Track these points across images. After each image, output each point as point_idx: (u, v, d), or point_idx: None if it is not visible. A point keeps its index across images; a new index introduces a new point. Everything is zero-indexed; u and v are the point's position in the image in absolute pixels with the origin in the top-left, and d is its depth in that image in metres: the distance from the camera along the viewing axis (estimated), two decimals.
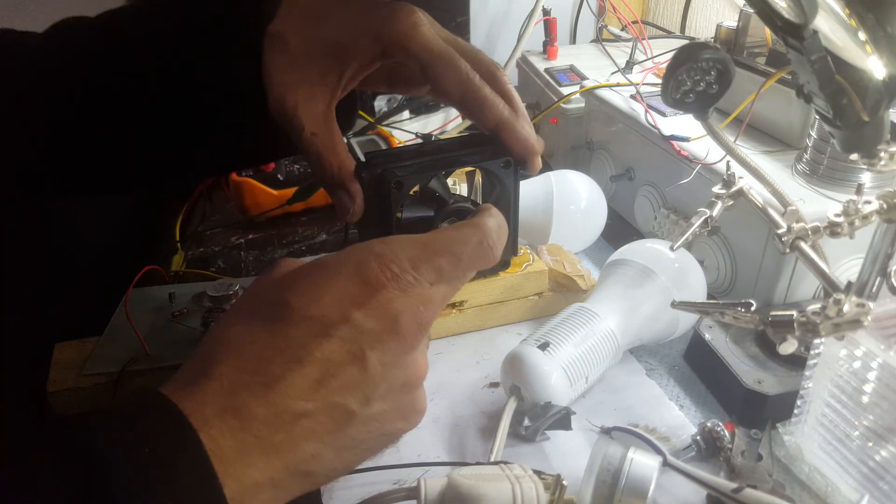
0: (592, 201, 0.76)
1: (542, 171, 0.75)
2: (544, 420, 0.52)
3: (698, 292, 0.62)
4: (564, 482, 0.42)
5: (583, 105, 0.88)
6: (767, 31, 0.70)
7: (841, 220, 0.45)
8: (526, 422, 0.53)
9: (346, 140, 0.92)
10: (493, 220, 0.42)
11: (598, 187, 0.78)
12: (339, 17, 0.44)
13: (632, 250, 0.64)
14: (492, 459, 0.50)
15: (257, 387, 0.31)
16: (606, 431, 0.52)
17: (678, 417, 0.55)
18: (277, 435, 0.31)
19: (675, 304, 0.54)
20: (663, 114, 0.75)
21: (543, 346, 0.55)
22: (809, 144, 0.62)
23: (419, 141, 0.94)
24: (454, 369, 0.62)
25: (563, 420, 0.53)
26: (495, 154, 0.59)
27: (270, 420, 0.31)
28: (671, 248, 0.61)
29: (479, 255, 0.39)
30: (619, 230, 0.83)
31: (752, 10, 0.63)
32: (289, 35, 0.43)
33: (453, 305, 0.64)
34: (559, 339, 0.55)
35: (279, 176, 0.83)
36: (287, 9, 0.44)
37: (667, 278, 0.60)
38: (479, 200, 0.60)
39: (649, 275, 0.60)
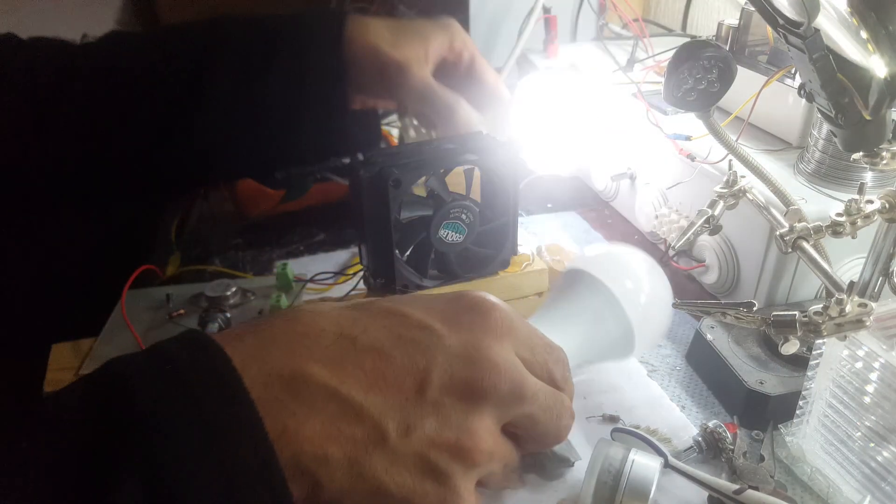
0: None
1: None
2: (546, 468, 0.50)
3: (658, 309, 0.54)
4: None
5: None
6: (769, 29, 0.69)
7: (843, 219, 0.45)
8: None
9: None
10: None
11: None
12: (413, 22, 0.64)
13: (587, 259, 0.57)
14: None
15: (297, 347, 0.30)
16: (608, 419, 0.52)
17: (679, 418, 0.55)
18: (300, 407, 0.29)
19: (676, 304, 0.54)
20: (665, 112, 0.74)
21: None
22: (811, 143, 0.62)
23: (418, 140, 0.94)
24: None
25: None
26: (494, 152, 0.58)
27: (297, 389, 0.29)
28: (672, 248, 0.61)
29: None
30: (620, 230, 0.82)
31: (753, 9, 0.62)
32: (384, 31, 0.61)
33: None
34: None
35: (277, 176, 0.83)
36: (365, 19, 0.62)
37: (618, 291, 0.52)
38: (478, 199, 0.60)
39: (597, 287, 0.53)
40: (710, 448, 0.50)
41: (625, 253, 0.57)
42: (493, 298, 0.35)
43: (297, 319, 0.32)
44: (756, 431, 0.52)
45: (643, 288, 0.54)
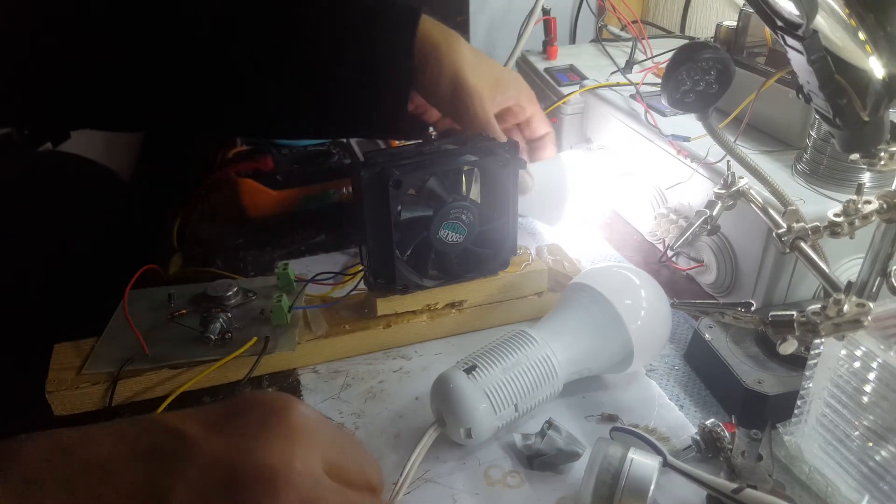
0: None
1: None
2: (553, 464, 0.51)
3: (657, 327, 0.56)
4: None
5: (583, 105, 0.88)
6: (767, 30, 0.69)
7: (841, 219, 0.45)
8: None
9: (345, 141, 0.92)
10: None
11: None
12: (489, 59, 0.68)
13: (593, 274, 0.58)
14: (402, 484, 0.47)
15: None
16: (607, 418, 0.52)
17: (678, 418, 0.55)
18: None
19: (674, 304, 0.54)
20: (663, 113, 0.75)
21: (470, 370, 0.50)
22: (809, 144, 0.62)
23: (418, 141, 0.94)
24: None
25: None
26: (493, 153, 0.59)
27: None
28: (671, 248, 0.61)
29: None
30: (620, 230, 0.83)
31: (751, 10, 0.63)
32: (468, 53, 0.65)
33: (452, 305, 0.64)
34: (488, 363, 0.51)
35: (278, 177, 0.83)
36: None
37: (622, 308, 0.54)
38: (478, 199, 0.60)
39: (603, 304, 0.55)
40: (709, 447, 0.51)
41: (627, 270, 0.59)
42: (289, 396, 0.26)
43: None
44: (754, 431, 0.52)
45: (643, 304, 0.55)
